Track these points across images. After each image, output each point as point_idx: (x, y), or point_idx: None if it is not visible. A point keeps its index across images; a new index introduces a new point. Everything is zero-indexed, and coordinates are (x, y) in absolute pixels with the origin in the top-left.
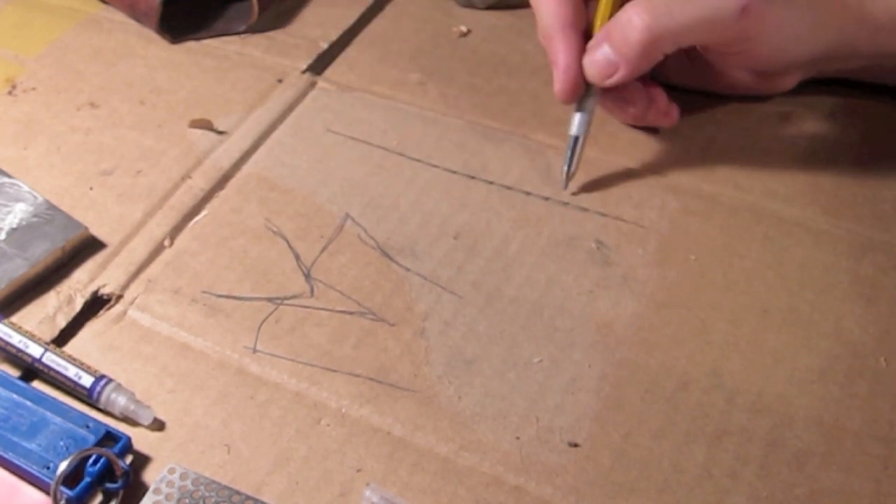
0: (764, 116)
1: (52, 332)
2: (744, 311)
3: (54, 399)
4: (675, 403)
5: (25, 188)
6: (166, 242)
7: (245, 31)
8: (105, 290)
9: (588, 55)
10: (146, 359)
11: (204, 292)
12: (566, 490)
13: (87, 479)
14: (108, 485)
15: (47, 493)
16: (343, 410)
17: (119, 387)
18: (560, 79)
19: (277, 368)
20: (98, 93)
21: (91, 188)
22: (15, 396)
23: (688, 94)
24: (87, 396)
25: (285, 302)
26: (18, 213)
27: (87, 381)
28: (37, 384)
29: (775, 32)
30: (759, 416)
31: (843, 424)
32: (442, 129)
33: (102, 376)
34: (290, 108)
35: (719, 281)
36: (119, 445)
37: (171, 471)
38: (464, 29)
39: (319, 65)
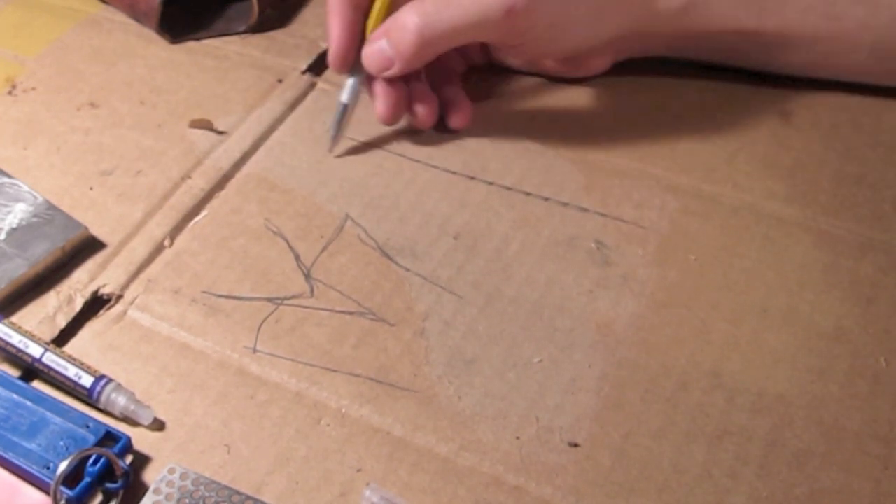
0: (763, 116)
1: (52, 332)
2: (744, 311)
3: (54, 399)
4: (675, 403)
5: (25, 188)
6: (166, 242)
7: (245, 31)
8: (105, 290)
9: (367, 46)
10: (146, 359)
11: (204, 292)
12: (566, 490)
13: (87, 479)
14: (108, 485)
15: (47, 493)
16: (343, 410)
17: (119, 387)
18: (331, 51)
19: (277, 368)
20: (98, 93)
21: (91, 188)
22: (15, 396)
23: (687, 94)
24: (87, 396)
25: (285, 302)
26: (18, 213)
27: (87, 381)
28: (37, 384)
29: (548, 27)
30: (759, 416)
31: (843, 424)
32: (441, 129)
33: (102, 376)
34: (290, 109)
35: (719, 281)
36: (119, 445)
37: (171, 471)
38: None
39: (319, 65)
